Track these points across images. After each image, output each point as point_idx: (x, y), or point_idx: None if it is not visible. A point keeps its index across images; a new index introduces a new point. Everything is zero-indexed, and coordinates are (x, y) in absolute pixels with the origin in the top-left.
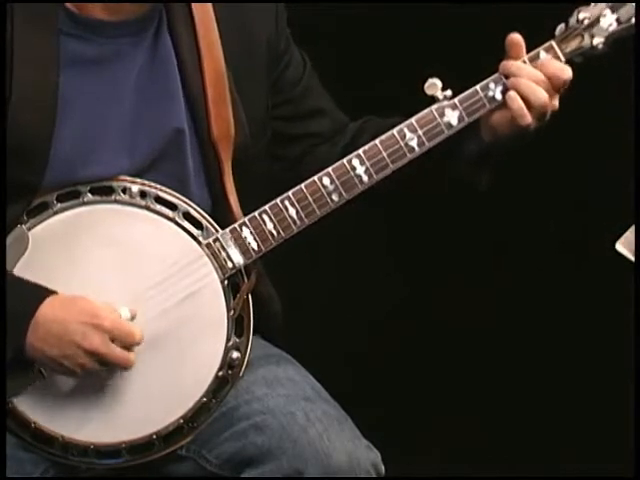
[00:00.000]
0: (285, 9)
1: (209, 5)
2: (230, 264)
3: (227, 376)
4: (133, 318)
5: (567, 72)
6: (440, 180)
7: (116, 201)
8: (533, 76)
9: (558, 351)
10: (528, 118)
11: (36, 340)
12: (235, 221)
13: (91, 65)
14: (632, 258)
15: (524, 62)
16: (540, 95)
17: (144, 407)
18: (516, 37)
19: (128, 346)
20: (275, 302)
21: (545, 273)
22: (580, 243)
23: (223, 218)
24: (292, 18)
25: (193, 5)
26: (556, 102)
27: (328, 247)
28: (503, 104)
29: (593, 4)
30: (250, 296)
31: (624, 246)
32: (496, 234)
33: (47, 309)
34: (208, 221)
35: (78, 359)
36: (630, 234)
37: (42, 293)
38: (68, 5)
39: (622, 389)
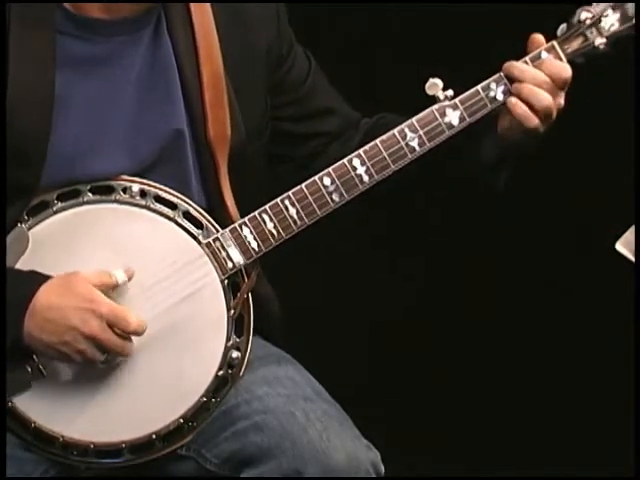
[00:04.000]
0: (286, 10)
1: (208, 7)
2: (230, 264)
3: (227, 375)
4: (130, 278)
5: (567, 71)
6: (454, 181)
7: (116, 200)
8: (535, 79)
9: (558, 351)
10: (534, 120)
11: (34, 328)
12: (232, 222)
13: (88, 64)
14: (632, 258)
15: (526, 63)
16: (542, 98)
17: (144, 406)
18: (538, 37)
19: (125, 333)
20: (273, 302)
21: (545, 274)
22: (580, 243)
23: (220, 220)
24: (293, 18)
25: (192, 6)
26: (561, 100)
27: (329, 247)
28: (509, 110)
29: (595, 4)
30: (250, 296)
31: (624, 246)
32: (496, 235)
33: (43, 296)
34: (208, 220)
35: (77, 345)
36: (630, 234)
37: (37, 280)
38: (65, 4)
39: (622, 389)
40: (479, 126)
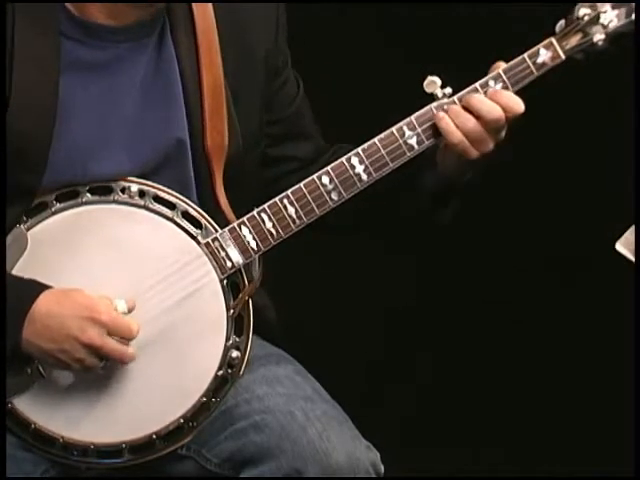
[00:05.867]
0: (285, 17)
1: (210, 13)
2: (229, 263)
3: (227, 375)
4: (130, 310)
5: (518, 106)
6: (409, 215)
7: (115, 201)
8: (473, 105)
9: (558, 351)
10: (457, 135)
11: (33, 335)
12: None
13: (92, 69)
14: (632, 258)
15: (524, 60)
16: (466, 120)
17: (144, 407)
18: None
19: (125, 340)
20: (270, 311)
21: (546, 273)
22: (580, 243)
23: (218, 225)
24: (292, 16)
25: (195, 13)
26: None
27: (330, 247)
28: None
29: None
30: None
31: (624, 246)
32: (497, 235)
33: (42, 304)
34: (207, 220)
35: (76, 353)
36: (630, 234)
37: (36, 288)
38: (69, 8)
39: (622, 389)
40: (421, 159)
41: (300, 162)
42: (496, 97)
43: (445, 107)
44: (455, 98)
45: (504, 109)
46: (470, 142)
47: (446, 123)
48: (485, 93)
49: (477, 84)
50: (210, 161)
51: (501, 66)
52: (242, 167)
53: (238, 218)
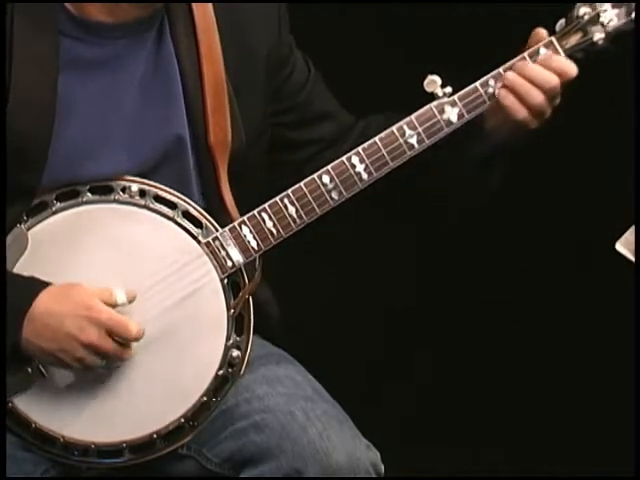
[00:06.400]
0: (287, 14)
1: (210, 10)
2: (230, 263)
3: (227, 375)
4: (130, 301)
5: (572, 70)
6: (450, 182)
7: (115, 200)
8: (533, 77)
9: (558, 351)
10: (522, 112)
11: (32, 334)
12: None
13: (91, 67)
14: (632, 258)
15: (524, 59)
16: (535, 96)
17: (144, 406)
18: (542, 32)
19: (125, 340)
20: (273, 306)
21: (546, 273)
22: (580, 243)
23: (221, 223)
24: (292, 16)
25: (195, 12)
26: (556, 100)
27: (330, 247)
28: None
29: None
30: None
31: (624, 246)
32: (497, 235)
33: (42, 302)
34: (208, 220)
35: (75, 353)
36: (630, 234)
37: (36, 287)
38: (68, 6)
39: (622, 389)
40: (466, 130)
41: (327, 142)
42: (549, 64)
43: (507, 83)
44: (455, 97)
45: (558, 74)
46: (533, 115)
47: (511, 101)
48: (485, 92)
49: (477, 83)
50: (214, 157)
51: (542, 33)
52: (245, 162)
53: (244, 213)
